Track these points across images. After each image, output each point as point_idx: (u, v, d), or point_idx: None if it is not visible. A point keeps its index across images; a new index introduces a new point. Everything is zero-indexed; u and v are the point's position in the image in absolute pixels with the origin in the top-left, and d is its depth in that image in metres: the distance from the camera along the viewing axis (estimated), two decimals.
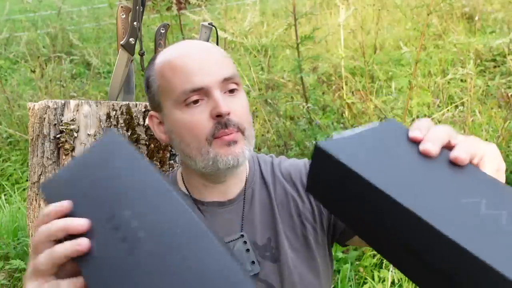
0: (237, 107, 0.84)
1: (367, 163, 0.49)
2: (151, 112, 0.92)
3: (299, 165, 0.97)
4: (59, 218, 0.55)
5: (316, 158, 0.53)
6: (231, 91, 0.85)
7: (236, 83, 0.86)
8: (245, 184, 0.94)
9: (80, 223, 0.53)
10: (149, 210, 0.52)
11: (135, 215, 0.51)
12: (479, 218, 0.43)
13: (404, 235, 0.45)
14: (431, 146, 0.51)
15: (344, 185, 0.50)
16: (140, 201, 0.53)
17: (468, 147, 0.52)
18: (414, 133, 0.53)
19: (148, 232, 0.50)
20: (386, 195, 0.45)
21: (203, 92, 0.82)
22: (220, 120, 0.81)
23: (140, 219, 0.51)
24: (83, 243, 0.51)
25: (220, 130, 0.82)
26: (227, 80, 0.83)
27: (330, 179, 0.52)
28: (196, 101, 0.82)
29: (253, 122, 1.09)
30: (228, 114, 0.81)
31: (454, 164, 0.50)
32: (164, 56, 0.89)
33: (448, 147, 0.53)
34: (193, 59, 0.85)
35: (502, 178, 0.57)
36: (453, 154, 0.51)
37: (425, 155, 0.51)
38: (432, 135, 0.53)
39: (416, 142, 0.53)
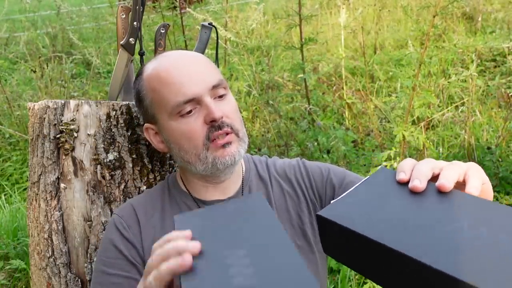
0: (229, 110, 0.90)
1: (361, 218, 0.56)
2: (146, 125, 0.96)
3: (292, 163, 1.03)
4: None
5: (320, 225, 0.61)
6: (220, 96, 0.90)
7: (224, 88, 0.91)
8: (242, 182, 0.99)
9: (192, 244, 0.54)
10: (265, 257, 0.52)
11: (250, 254, 0.53)
12: (461, 240, 0.49)
13: (406, 275, 0.51)
14: (418, 183, 0.58)
15: (348, 241, 0.57)
16: (259, 249, 0.54)
17: (450, 173, 0.58)
18: (400, 176, 0.60)
19: (257, 272, 0.50)
20: (379, 244, 0.51)
21: (195, 101, 0.87)
22: (214, 124, 0.87)
23: (254, 260, 0.52)
24: (186, 259, 0.52)
25: (214, 132, 0.87)
26: (215, 87, 0.89)
27: (335, 239, 0.60)
28: (189, 111, 0.87)
29: (253, 122, 1.14)
30: (221, 117, 0.87)
31: (441, 192, 0.56)
32: (152, 69, 0.93)
33: (434, 177, 0.59)
34: (181, 70, 0.89)
35: (489, 189, 0.65)
36: (438, 184, 0.57)
37: (415, 191, 0.57)
38: (416, 173, 0.59)
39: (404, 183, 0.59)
